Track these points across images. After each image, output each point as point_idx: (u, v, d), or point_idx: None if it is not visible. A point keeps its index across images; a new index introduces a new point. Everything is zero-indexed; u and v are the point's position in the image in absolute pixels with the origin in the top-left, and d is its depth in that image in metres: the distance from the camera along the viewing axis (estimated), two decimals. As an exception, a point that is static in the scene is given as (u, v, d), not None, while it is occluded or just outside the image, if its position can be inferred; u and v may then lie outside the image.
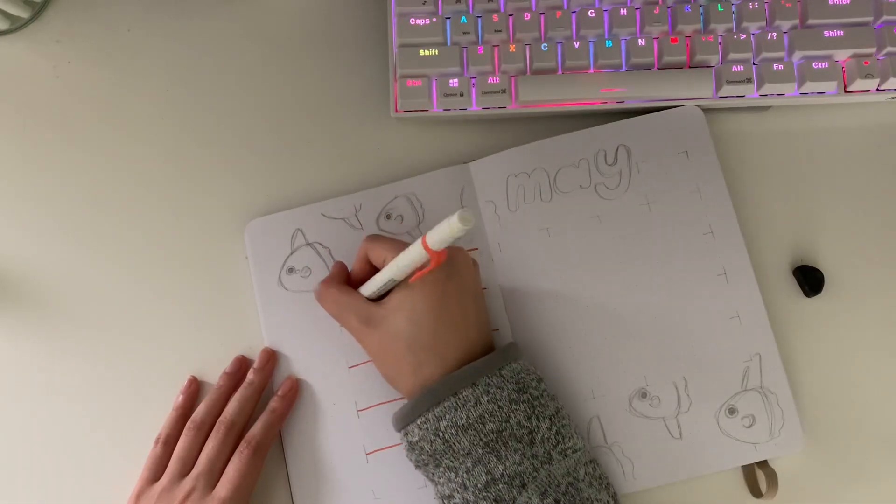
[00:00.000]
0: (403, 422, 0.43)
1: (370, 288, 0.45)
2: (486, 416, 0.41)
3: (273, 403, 0.47)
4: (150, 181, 0.53)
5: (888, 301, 0.50)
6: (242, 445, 0.46)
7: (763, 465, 0.46)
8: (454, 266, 0.43)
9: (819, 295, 0.49)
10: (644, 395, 0.47)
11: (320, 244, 0.50)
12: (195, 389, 0.49)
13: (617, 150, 0.51)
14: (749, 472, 0.47)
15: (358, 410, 0.48)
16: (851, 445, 0.48)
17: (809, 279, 0.49)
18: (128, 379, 0.50)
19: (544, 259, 0.49)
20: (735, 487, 0.47)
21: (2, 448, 0.49)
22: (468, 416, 0.40)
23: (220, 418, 0.47)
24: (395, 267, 0.42)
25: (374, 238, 0.45)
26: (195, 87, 0.54)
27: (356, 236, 0.50)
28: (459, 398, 0.41)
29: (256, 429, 0.46)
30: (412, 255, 0.40)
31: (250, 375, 0.48)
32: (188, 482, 0.45)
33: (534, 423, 0.41)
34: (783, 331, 0.49)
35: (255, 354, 0.49)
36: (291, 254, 0.50)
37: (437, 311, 0.42)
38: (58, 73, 0.55)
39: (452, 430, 0.41)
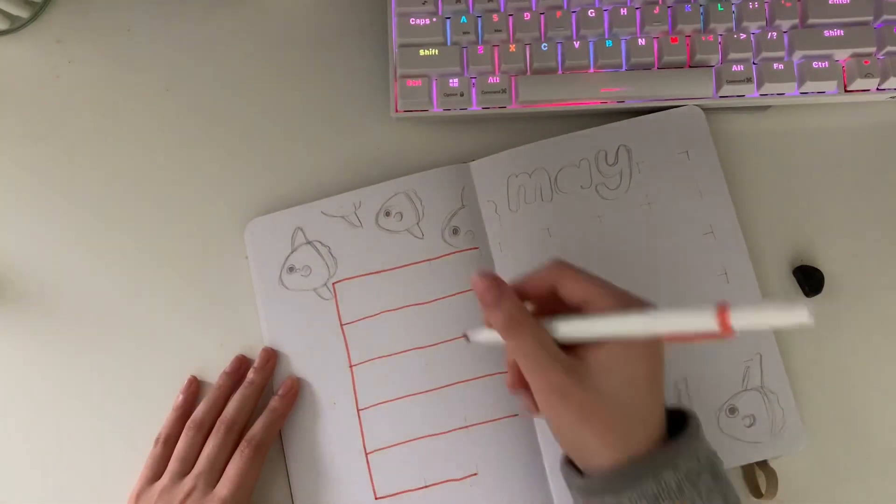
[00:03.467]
0: (588, 492, 0.37)
1: (567, 330, 0.37)
2: None
3: (273, 403, 0.47)
4: (149, 181, 0.53)
5: (888, 301, 0.50)
6: (243, 445, 0.46)
7: (763, 465, 0.46)
8: None
9: (819, 295, 0.49)
10: (644, 394, 0.47)
11: (320, 242, 0.50)
12: (195, 389, 0.49)
13: (618, 150, 0.51)
14: (749, 472, 0.47)
15: (358, 410, 0.48)
16: (851, 445, 0.48)
17: (809, 279, 0.49)
18: (128, 379, 0.50)
19: (545, 259, 0.49)
20: (735, 487, 0.47)
21: (2, 448, 0.49)
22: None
23: (221, 418, 0.47)
24: (651, 323, 0.34)
25: (573, 270, 0.38)
26: (195, 87, 0.54)
27: (356, 234, 0.50)
28: (661, 483, 0.35)
29: (257, 428, 0.46)
30: (683, 324, 0.33)
31: (250, 375, 0.48)
32: (188, 481, 0.45)
33: None
34: (783, 331, 0.48)
35: (256, 354, 0.49)
36: (292, 252, 0.50)
37: (655, 377, 0.37)
38: (58, 73, 0.55)
39: None
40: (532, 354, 0.37)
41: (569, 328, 0.37)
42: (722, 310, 0.30)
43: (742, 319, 0.30)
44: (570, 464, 0.39)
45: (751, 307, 0.30)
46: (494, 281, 0.39)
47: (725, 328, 0.30)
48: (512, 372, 0.40)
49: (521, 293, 0.39)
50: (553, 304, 0.38)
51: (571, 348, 0.37)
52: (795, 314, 0.28)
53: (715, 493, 0.36)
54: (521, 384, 0.39)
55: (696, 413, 0.39)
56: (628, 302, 0.37)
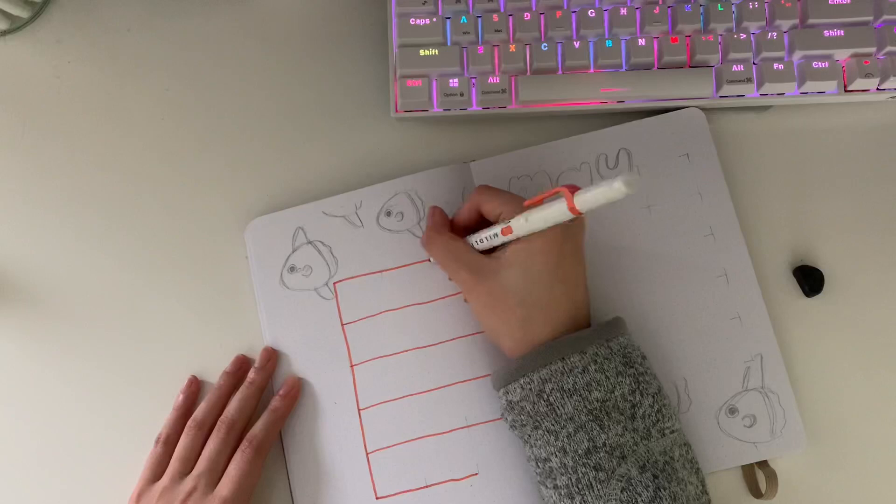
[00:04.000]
0: (505, 380, 0.43)
1: (482, 240, 0.44)
2: (593, 384, 0.41)
3: (274, 403, 0.47)
4: (150, 181, 0.53)
5: (888, 301, 0.50)
6: (244, 445, 0.46)
7: (763, 465, 0.47)
8: (571, 227, 0.42)
9: (819, 295, 0.49)
10: (644, 394, 0.47)
11: (321, 242, 0.50)
12: (195, 389, 0.49)
13: (618, 153, 0.51)
14: (749, 472, 0.47)
15: (359, 410, 0.48)
16: (851, 445, 0.48)
17: (809, 279, 0.49)
18: (128, 379, 0.50)
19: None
20: (735, 487, 0.47)
21: (3, 448, 0.49)
22: (575, 382, 0.41)
23: (221, 418, 0.47)
24: (524, 221, 0.41)
25: (489, 190, 0.45)
26: (195, 87, 0.54)
27: (356, 233, 0.50)
28: (567, 363, 0.41)
29: (257, 428, 0.46)
30: (549, 214, 0.39)
31: (251, 375, 0.48)
32: (189, 481, 0.45)
33: (637, 398, 0.41)
34: (783, 331, 0.49)
35: (256, 354, 0.49)
36: (293, 252, 0.50)
37: (554, 270, 0.42)
38: (58, 73, 0.55)
39: (557, 394, 0.41)
40: (441, 260, 0.46)
41: (473, 237, 0.45)
42: (571, 198, 0.37)
43: (586, 198, 0.36)
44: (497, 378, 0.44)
45: (589, 189, 0.36)
46: (431, 212, 0.48)
47: (573, 209, 0.37)
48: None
49: (459, 219, 0.47)
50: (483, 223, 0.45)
51: (493, 251, 0.44)
52: (617, 187, 0.34)
53: (625, 376, 0.41)
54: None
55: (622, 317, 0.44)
56: (520, 204, 0.42)
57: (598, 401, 0.40)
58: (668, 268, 0.49)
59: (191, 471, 0.45)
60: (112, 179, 0.53)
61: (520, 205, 0.42)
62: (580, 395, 0.40)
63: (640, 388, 0.41)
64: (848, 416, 0.48)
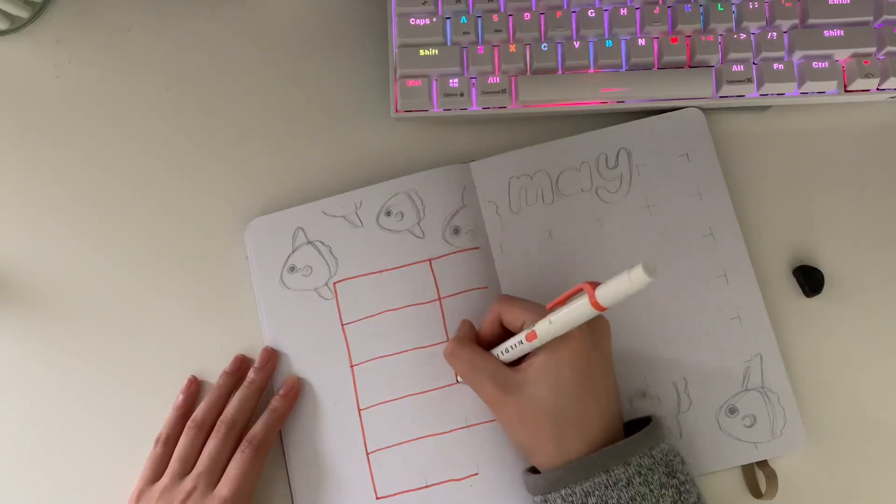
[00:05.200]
0: (544, 489, 0.41)
1: (507, 349, 0.43)
2: (637, 498, 0.39)
3: (274, 403, 0.47)
4: (149, 181, 0.53)
5: (888, 301, 0.50)
6: (244, 445, 0.46)
7: (763, 464, 0.47)
8: (597, 333, 0.42)
9: (819, 295, 0.49)
10: (644, 395, 0.47)
11: (321, 242, 0.50)
12: (195, 389, 0.49)
13: (618, 153, 0.51)
14: (749, 472, 0.47)
15: (359, 410, 0.48)
16: (852, 445, 0.48)
17: (809, 279, 0.49)
18: (128, 379, 0.50)
19: (546, 260, 0.49)
20: (735, 487, 0.47)
21: (2, 448, 0.49)
22: (619, 497, 0.39)
23: (221, 418, 0.47)
24: (548, 325, 0.39)
25: (509, 300, 0.44)
26: (195, 87, 0.54)
27: (356, 234, 0.50)
28: (612, 476, 0.39)
29: (257, 428, 0.46)
30: (573, 315, 0.38)
31: (251, 374, 0.48)
32: (189, 481, 0.45)
33: None
34: (783, 331, 0.49)
35: (256, 354, 0.49)
36: (293, 252, 0.50)
37: (583, 382, 0.40)
38: (58, 73, 0.55)
39: None
40: (464, 374, 0.44)
41: (498, 349, 0.43)
42: (593, 295, 0.36)
43: (608, 293, 0.35)
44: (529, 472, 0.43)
45: (608, 284, 0.35)
46: (461, 323, 0.47)
47: (597, 306, 0.36)
48: None
49: (483, 332, 0.45)
50: (507, 333, 0.44)
51: (518, 362, 0.42)
52: (636, 278, 0.33)
53: (668, 488, 0.39)
54: None
55: (660, 416, 0.43)
56: (541, 311, 0.41)
57: None
58: (668, 268, 0.49)
59: (191, 471, 0.45)
60: (112, 179, 0.53)
61: (541, 311, 0.41)
62: None
63: (682, 498, 0.40)
64: (848, 416, 0.48)
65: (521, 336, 0.41)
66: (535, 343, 0.40)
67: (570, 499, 0.40)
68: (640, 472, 0.39)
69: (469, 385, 0.45)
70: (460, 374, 0.45)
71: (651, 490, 0.39)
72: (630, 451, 0.40)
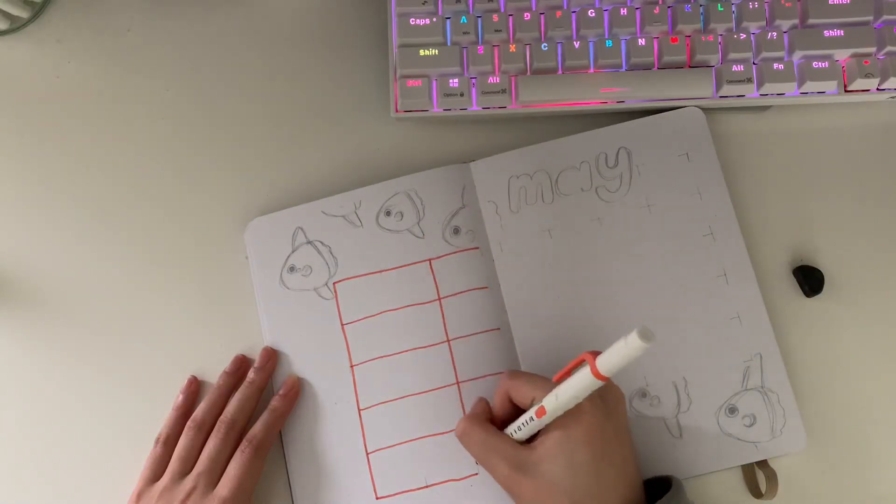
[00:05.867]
0: None
1: (519, 427, 0.42)
2: None
3: (274, 402, 0.47)
4: (149, 181, 0.53)
5: (888, 301, 0.50)
6: (243, 445, 0.46)
7: (763, 464, 0.47)
8: (610, 403, 0.41)
9: (819, 295, 0.49)
10: (644, 394, 0.47)
11: (321, 242, 0.50)
12: (195, 389, 0.49)
13: (618, 152, 0.51)
14: (749, 471, 0.47)
15: (359, 410, 0.48)
16: (852, 445, 0.48)
17: (809, 279, 0.49)
18: (128, 379, 0.50)
19: (546, 260, 0.49)
20: (735, 487, 0.47)
21: (2, 448, 0.49)
22: None
23: (221, 418, 0.47)
24: (555, 399, 0.38)
25: (516, 375, 0.43)
26: (195, 87, 0.54)
27: (356, 233, 0.50)
28: None
29: (257, 428, 0.46)
30: (576, 386, 0.37)
31: (251, 374, 0.48)
32: (189, 481, 0.45)
33: None
34: (783, 331, 0.49)
35: (256, 354, 0.49)
36: (293, 252, 0.50)
37: (600, 457, 0.39)
38: (58, 73, 0.55)
39: None
40: (477, 455, 0.43)
41: (511, 427, 0.42)
42: (593, 365, 0.35)
43: (608, 361, 0.35)
44: None
45: (607, 352, 0.35)
46: (476, 402, 0.46)
47: (598, 376, 0.35)
48: None
49: (495, 409, 0.44)
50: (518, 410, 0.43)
51: (532, 440, 0.41)
52: (632, 343, 0.33)
53: None
54: None
55: (678, 478, 0.42)
56: (548, 386, 0.40)
57: None
58: (668, 267, 0.49)
59: (190, 471, 0.45)
60: (112, 179, 0.53)
61: (548, 384, 0.40)
62: None
63: None
64: (848, 416, 0.48)
65: (531, 413, 0.40)
66: (546, 419, 0.40)
67: None
68: None
69: (481, 465, 0.43)
70: (473, 456, 0.44)
71: None
72: None
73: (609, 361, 0.35)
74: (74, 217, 0.53)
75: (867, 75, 0.49)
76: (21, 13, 0.54)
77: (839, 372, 0.49)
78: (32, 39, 0.55)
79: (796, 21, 0.50)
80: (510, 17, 0.50)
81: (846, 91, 0.50)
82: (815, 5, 0.50)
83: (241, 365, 0.49)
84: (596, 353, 0.36)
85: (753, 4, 0.50)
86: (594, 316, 0.48)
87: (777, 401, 0.47)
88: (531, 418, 0.40)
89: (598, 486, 0.39)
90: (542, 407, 0.39)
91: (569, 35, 0.50)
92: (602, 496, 0.39)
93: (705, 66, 0.50)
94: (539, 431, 0.41)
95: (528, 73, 0.51)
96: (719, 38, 0.50)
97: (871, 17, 0.50)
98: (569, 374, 0.38)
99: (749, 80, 0.50)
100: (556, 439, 0.40)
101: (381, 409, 0.48)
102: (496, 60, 0.51)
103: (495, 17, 0.50)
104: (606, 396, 0.41)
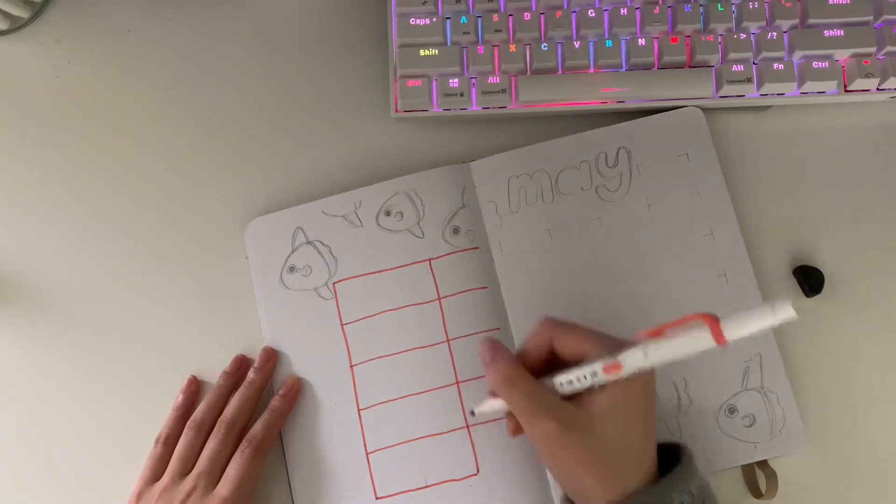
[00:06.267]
0: None
1: (570, 380, 0.38)
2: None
3: (274, 402, 0.47)
4: (149, 181, 0.53)
5: (888, 301, 0.50)
6: (243, 445, 0.46)
7: (763, 464, 0.47)
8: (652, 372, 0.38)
9: (819, 295, 0.49)
10: (644, 394, 0.47)
11: (321, 242, 0.50)
12: (195, 389, 0.49)
13: (618, 152, 0.51)
14: (749, 471, 0.47)
15: (359, 410, 0.48)
16: (851, 445, 0.48)
17: (809, 279, 0.49)
18: (128, 379, 0.50)
19: (545, 260, 0.49)
20: (735, 487, 0.47)
21: (2, 448, 0.49)
22: None
23: (221, 418, 0.47)
24: (641, 357, 0.36)
25: (566, 325, 0.40)
26: (195, 87, 0.54)
27: (356, 233, 0.50)
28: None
29: (257, 428, 0.46)
30: (683, 350, 0.35)
31: (251, 375, 0.48)
32: (189, 481, 0.45)
33: None
34: (783, 331, 0.48)
35: (256, 354, 0.49)
36: (292, 252, 0.50)
37: (650, 420, 0.38)
38: (58, 73, 0.55)
39: None
40: (522, 408, 0.38)
41: (556, 380, 0.39)
42: (713, 324, 0.32)
43: (735, 330, 0.32)
44: (569, 501, 0.40)
45: (740, 316, 0.32)
46: (491, 343, 0.41)
47: (721, 340, 0.33)
48: (512, 422, 0.41)
49: (523, 355, 0.41)
50: (555, 360, 0.40)
51: (577, 397, 0.38)
52: (781, 313, 0.30)
53: None
54: (521, 431, 0.40)
55: (688, 445, 0.41)
56: (618, 345, 0.38)
57: None
58: (668, 267, 0.49)
59: (190, 471, 0.45)
60: (112, 179, 0.53)
61: (608, 341, 0.38)
62: None
63: None
64: (848, 416, 0.48)
65: (597, 367, 0.37)
66: (614, 376, 0.37)
67: None
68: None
69: (518, 417, 0.39)
70: (514, 407, 0.39)
71: None
72: (670, 487, 0.37)
73: (741, 326, 0.32)
74: (74, 217, 0.53)
75: (867, 75, 0.49)
76: (21, 13, 0.54)
77: (839, 372, 0.49)
78: (32, 39, 0.55)
79: (796, 21, 0.50)
80: (510, 17, 0.50)
81: (846, 91, 0.50)
82: (815, 5, 0.50)
83: (241, 365, 0.49)
84: (711, 316, 0.33)
85: (753, 4, 0.50)
86: (594, 315, 0.48)
87: (777, 401, 0.47)
88: (594, 373, 0.37)
89: (643, 445, 0.38)
90: (618, 363, 0.36)
91: (569, 35, 0.50)
92: (643, 454, 0.38)
93: (705, 66, 0.50)
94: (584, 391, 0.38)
95: (528, 73, 0.51)
96: (719, 38, 0.50)
97: (871, 17, 0.50)
98: (662, 333, 0.36)
99: (749, 80, 0.50)
100: (614, 396, 0.37)
101: (380, 409, 0.48)
102: (496, 60, 0.51)
103: (495, 17, 0.50)
104: None
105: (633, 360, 0.36)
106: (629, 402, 0.38)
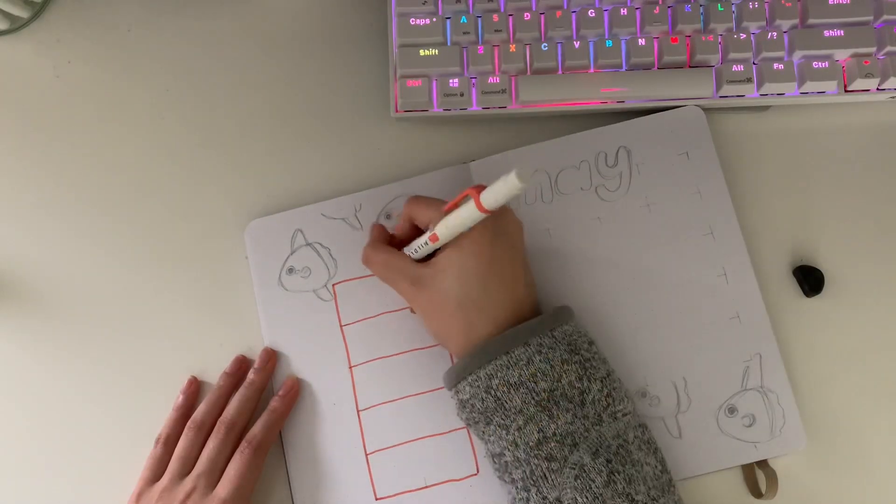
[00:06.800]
0: (454, 379, 0.43)
1: (416, 249, 0.45)
2: (539, 375, 0.41)
3: (273, 403, 0.47)
4: (149, 181, 0.53)
5: (888, 301, 0.50)
6: (243, 445, 0.46)
7: (763, 464, 0.47)
8: (502, 225, 0.43)
9: (819, 295, 0.49)
10: (644, 394, 0.47)
11: (320, 244, 0.50)
12: (195, 390, 0.49)
13: (617, 151, 0.51)
14: (749, 471, 0.47)
15: (358, 411, 0.48)
16: (851, 445, 0.48)
17: (809, 279, 0.49)
18: (128, 379, 0.50)
19: (545, 259, 0.49)
20: (735, 487, 0.47)
21: (2, 448, 0.49)
22: (520, 375, 0.41)
23: (221, 418, 0.47)
24: (445, 227, 0.42)
25: (417, 199, 0.45)
26: (195, 87, 0.54)
27: (356, 236, 0.50)
28: (511, 357, 0.41)
29: (257, 429, 0.46)
30: (463, 216, 0.40)
31: (250, 375, 0.48)
32: (189, 482, 0.45)
33: (585, 385, 0.41)
34: (783, 331, 0.49)
35: (256, 354, 0.49)
36: (291, 254, 0.50)
37: (487, 269, 0.42)
38: (58, 73, 0.55)
39: (504, 388, 0.41)
40: (383, 275, 0.47)
41: (410, 247, 0.45)
42: (477, 198, 0.38)
43: (489, 195, 0.38)
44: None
45: (490, 189, 0.38)
46: (372, 228, 0.49)
47: (481, 209, 0.39)
48: None
49: (397, 233, 0.48)
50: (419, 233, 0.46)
51: (429, 258, 0.45)
52: (511, 182, 0.36)
53: (570, 364, 0.41)
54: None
55: (571, 308, 0.45)
56: (447, 208, 0.43)
57: (545, 391, 0.41)
58: (668, 267, 0.49)
59: (190, 471, 0.45)
60: (112, 179, 0.53)
61: (435, 207, 0.43)
62: (526, 388, 0.41)
63: (588, 373, 0.42)
64: (848, 415, 0.48)
65: (426, 237, 0.43)
66: (438, 244, 0.43)
67: (476, 384, 0.42)
68: (540, 351, 0.41)
69: (387, 284, 0.46)
70: (378, 276, 0.47)
71: (552, 366, 0.41)
72: (531, 332, 0.42)
73: (490, 197, 0.38)
74: (74, 217, 0.53)
75: (867, 75, 0.49)
76: (21, 13, 0.54)
77: (839, 372, 0.49)
78: (32, 39, 0.55)
79: (796, 21, 0.50)
80: (510, 17, 0.50)
81: (846, 91, 0.50)
82: (815, 5, 0.50)
83: (241, 365, 0.49)
84: (480, 188, 0.39)
85: (753, 4, 0.50)
86: (594, 315, 0.48)
87: (777, 401, 0.47)
88: (426, 242, 0.44)
89: (485, 297, 0.42)
90: (435, 234, 0.43)
91: (569, 35, 0.50)
92: (489, 306, 0.43)
93: (705, 66, 0.50)
94: (435, 251, 0.44)
95: (528, 73, 0.51)
96: (719, 38, 0.50)
97: (871, 17, 0.50)
98: (457, 205, 0.41)
99: (749, 80, 0.50)
100: (447, 255, 0.43)
101: (380, 410, 0.48)
102: (496, 60, 0.51)
103: (495, 17, 0.50)
104: (502, 218, 0.43)
105: (440, 231, 0.42)
106: (461, 259, 0.42)
